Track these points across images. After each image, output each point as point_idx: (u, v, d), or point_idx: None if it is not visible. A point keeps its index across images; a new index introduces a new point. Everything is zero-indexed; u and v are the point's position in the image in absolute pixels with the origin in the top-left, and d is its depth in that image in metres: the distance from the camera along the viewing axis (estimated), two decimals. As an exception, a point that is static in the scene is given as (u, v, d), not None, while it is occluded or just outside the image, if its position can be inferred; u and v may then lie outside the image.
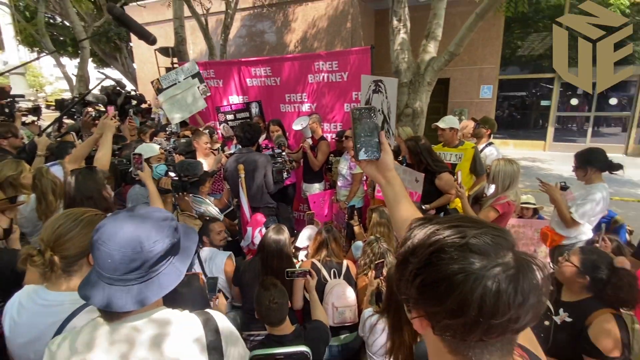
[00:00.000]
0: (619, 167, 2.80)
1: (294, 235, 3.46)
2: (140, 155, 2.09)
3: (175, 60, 7.47)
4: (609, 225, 3.56)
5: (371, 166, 1.01)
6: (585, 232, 2.92)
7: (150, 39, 2.48)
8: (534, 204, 3.71)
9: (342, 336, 2.52)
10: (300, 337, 1.89)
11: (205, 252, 2.73)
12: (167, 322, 0.95)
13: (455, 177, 3.14)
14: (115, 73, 16.64)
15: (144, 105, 4.94)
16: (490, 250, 0.54)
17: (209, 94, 5.03)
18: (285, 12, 10.77)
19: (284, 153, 3.75)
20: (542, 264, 0.55)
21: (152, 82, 5.25)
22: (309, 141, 4.35)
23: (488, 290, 0.51)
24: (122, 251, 0.86)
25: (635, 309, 1.98)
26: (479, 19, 4.50)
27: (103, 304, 0.87)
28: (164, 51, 8.39)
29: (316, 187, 4.51)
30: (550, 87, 10.92)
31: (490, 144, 4.33)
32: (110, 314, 0.90)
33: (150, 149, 2.71)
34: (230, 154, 3.83)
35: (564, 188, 3.01)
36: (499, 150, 4.34)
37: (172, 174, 2.49)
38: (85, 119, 3.54)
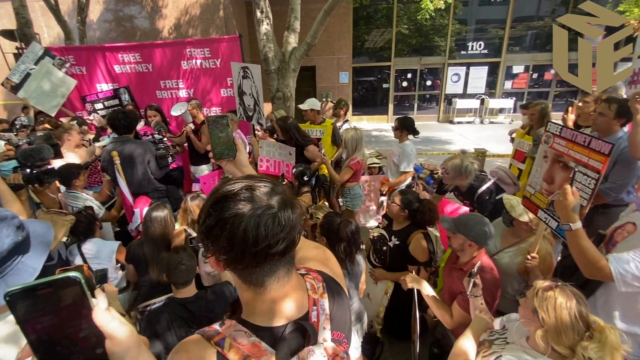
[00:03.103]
0: (417, 132, 3.44)
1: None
2: None
3: (22, 45, 5.76)
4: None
5: (229, 164, 1.01)
6: (408, 179, 3.52)
7: None
8: (378, 163, 4.23)
9: None
10: (202, 299, 1.80)
11: (90, 246, 2.34)
12: None
13: (319, 148, 3.34)
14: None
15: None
16: (256, 198, 0.60)
17: (67, 66, 4.11)
18: (153, -3, 9.29)
19: (164, 139, 3.38)
20: (301, 206, 0.66)
21: (2, 84, 4.05)
22: (191, 126, 4.00)
23: (249, 226, 0.58)
24: None
25: (437, 225, 2.52)
26: (327, 15, 4.69)
27: None
28: (9, 34, 6.32)
29: (204, 169, 4.22)
30: (389, 72, 12.33)
31: (346, 121, 4.71)
32: None
33: (-8, 146, 2.08)
34: (104, 146, 3.27)
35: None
36: (353, 125, 4.76)
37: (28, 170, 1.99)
38: None
